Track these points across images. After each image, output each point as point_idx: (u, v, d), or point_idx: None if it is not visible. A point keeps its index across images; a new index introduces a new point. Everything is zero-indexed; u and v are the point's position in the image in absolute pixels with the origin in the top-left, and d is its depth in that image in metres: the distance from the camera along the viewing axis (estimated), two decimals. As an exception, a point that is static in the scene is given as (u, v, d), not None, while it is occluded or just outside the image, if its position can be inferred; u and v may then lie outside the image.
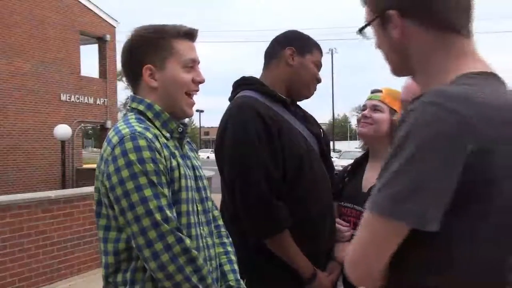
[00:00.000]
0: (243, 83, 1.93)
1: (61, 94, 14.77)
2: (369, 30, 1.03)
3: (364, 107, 1.96)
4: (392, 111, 1.89)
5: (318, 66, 1.95)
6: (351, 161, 2.18)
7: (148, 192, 1.24)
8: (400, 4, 0.94)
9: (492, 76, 0.92)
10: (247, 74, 1.98)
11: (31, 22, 13.74)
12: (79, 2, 15.19)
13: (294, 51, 1.89)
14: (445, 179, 0.81)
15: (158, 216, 1.24)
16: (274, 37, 1.99)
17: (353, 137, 66.29)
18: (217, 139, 1.87)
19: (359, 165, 2.02)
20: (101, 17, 15.98)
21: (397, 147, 0.85)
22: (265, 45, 1.98)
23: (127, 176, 1.24)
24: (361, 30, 1.03)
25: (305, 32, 2.01)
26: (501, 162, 0.83)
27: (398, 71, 1.03)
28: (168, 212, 1.26)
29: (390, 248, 0.87)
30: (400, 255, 0.88)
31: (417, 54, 0.96)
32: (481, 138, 0.81)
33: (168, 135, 1.39)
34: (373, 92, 1.97)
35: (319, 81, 1.96)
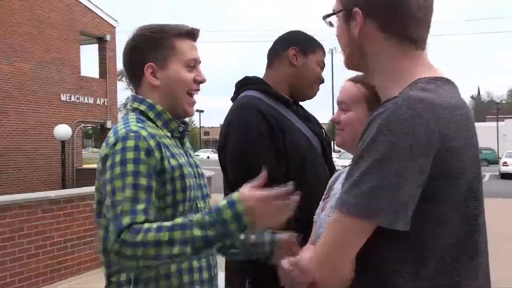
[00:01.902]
0: (246, 83, 1.93)
1: (61, 94, 14.77)
2: (334, 19, 1.06)
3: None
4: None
5: (321, 66, 1.95)
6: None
7: (128, 193, 1.21)
8: (366, 6, 0.97)
9: (446, 81, 0.97)
10: (249, 74, 1.97)
11: (31, 22, 13.74)
12: (79, 2, 15.19)
13: (297, 51, 1.89)
14: (417, 178, 0.85)
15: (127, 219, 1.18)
16: (276, 37, 2.00)
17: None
18: (220, 139, 1.86)
19: None
20: (101, 17, 15.98)
21: (367, 145, 0.87)
22: (265, 45, 1.99)
23: (117, 174, 1.24)
24: (325, 17, 1.06)
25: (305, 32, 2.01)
26: (456, 159, 0.89)
27: (350, 65, 1.07)
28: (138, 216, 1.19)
29: (356, 247, 0.89)
30: (370, 255, 0.90)
31: (373, 56, 0.99)
32: (444, 139, 0.87)
33: (169, 134, 1.40)
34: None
35: (322, 81, 1.96)
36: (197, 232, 1.13)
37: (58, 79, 14.60)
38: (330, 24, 1.06)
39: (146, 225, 1.17)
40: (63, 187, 11.78)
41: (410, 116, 0.85)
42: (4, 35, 12.99)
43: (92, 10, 15.64)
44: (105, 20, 16.13)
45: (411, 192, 0.85)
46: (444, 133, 0.87)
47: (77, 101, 15.29)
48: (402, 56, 0.97)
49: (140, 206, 1.21)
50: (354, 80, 1.42)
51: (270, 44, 1.98)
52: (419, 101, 0.87)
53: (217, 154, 1.96)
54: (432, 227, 0.89)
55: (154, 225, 1.17)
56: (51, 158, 14.06)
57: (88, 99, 15.66)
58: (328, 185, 1.56)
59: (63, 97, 14.83)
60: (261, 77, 1.95)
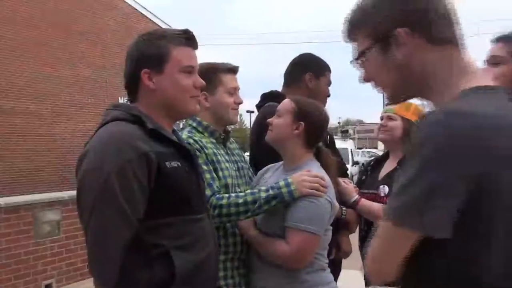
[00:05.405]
0: (271, 96, 2.40)
1: (119, 98, 15.45)
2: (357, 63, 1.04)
3: (381, 118, 2.41)
4: (405, 120, 2.32)
5: (329, 85, 2.46)
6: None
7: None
8: (408, 21, 0.95)
9: (494, 90, 0.94)
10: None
11: (93, 30, 14.54)
12: (136, 10, 15.84)
13: (311, 76, 2.40)
14: (449, 192, 0.85)
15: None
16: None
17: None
18: (252, 137, 2.31)
19: (379, 162, 2.51)
20: (154, 22, 16.56)
21: (408, 158, 0.91)
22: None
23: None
24: (357, 60, 1.03)
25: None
26: (500, 175, 0.86)
27: (398, 95, 1.04)
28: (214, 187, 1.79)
29: (402, 253, 0.92)
30: (415, 259, 0.92)
31: (422, 72, 0.97)
32: (484, 151, 0.85)
33: (214, 140, 1.92)
34: (387, 104, 2.29)
35: (329, 96, 2.47)
36: (263, 194, 1.74)
37: (117, 83, 15.31)
38: (360, 65, 1.05)
39: (226, 195, 1.76)
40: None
41: (443, 130, 0.86)
42: (68, 43, 13.86)
43: (146, 17, 16.25)
44: (158, 25, 16.67)
45: (448, 203, 0.86)
46: (484, 146, 0.85)
47: (134, 104, 15.94)
48: (451, 61, 0.97)
49: (215, 183, 1.80)
50: (292, 98, 1.93)
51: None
52: (453, 114, 0.87)
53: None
54: (477, 244, 0.89)
55: (233, 194, 1.78)
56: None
57: (144, 102, 16.26)
58: (257, 176, 2.03)
59: (120, 100, 15.51)
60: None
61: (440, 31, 0.96)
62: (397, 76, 0.99)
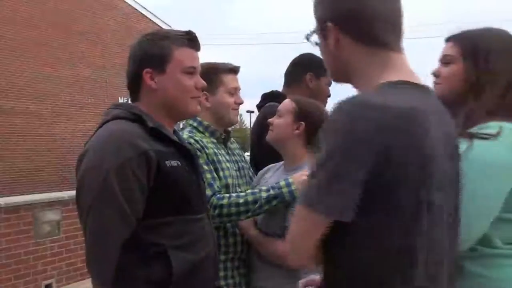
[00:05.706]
0: (272, 96, 2.43)
1: (119, 98, 15.46)
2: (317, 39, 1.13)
3: None
4: None
5: (329, 85, 2.44)
6: None
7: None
8: (335, 19, 1.04)
9: (413, 86, 0.99)
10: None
11: (93, 30, 14.54)
12: (136, 10, 15.85)
13: (312, 76, 2.39)
14: (352, 178, 0.90)
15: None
16: (292, 60, 2.49)
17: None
18: (253, 137, 2.35)
19: None
20: (155, 23, 16.57)
21: (320, 145, 0.96)
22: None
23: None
24: (308, 38, 1.13)
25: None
26: (397, 165, 0.91)
27: (335, 76, 1.14)
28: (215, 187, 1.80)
29: (314, 237, 0.96)
30: (327, 241, 0.97)
31: (350, 63, 1.05)
32: (386, 142, 0.90)
33: (215, 140, 1.93)
34: None
35: (329, 96, 2.46)
36: (264, 193, 1.74)
37: (117, 83, 15.32)
38: (316, 44, 1.13)
39: (227, 195, 1.77)
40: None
41: (349, 118, 0.91)
42: (67, 43, 13.87)
43: (146, 17, 16.25)
44: (158, 25, 16.68)
45: (349, 189, 0.90)
46: (384, 137, 0.90)
47: (134, 104, 15.95)
48: (376, 61, 1.02)
49: (216, 183, 1.81)
50: (292, 98, 1.94)
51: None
52: (359, 103, 0.93)
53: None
54: (370, 225, 0.93)
55: (233, 194, 1.78)
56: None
57: (144, 102, 16.27)
58: (257, 176, 2.03)
59: (120, 100, 15.54)
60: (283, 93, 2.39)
61: (373, 35, 1.02)
62: (331, 61, 1.09)
